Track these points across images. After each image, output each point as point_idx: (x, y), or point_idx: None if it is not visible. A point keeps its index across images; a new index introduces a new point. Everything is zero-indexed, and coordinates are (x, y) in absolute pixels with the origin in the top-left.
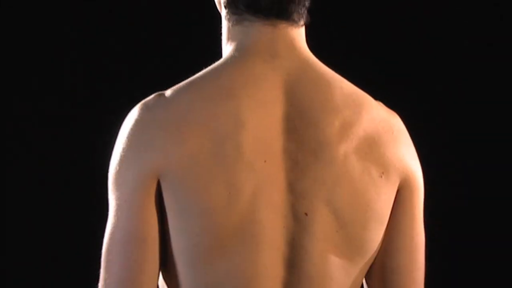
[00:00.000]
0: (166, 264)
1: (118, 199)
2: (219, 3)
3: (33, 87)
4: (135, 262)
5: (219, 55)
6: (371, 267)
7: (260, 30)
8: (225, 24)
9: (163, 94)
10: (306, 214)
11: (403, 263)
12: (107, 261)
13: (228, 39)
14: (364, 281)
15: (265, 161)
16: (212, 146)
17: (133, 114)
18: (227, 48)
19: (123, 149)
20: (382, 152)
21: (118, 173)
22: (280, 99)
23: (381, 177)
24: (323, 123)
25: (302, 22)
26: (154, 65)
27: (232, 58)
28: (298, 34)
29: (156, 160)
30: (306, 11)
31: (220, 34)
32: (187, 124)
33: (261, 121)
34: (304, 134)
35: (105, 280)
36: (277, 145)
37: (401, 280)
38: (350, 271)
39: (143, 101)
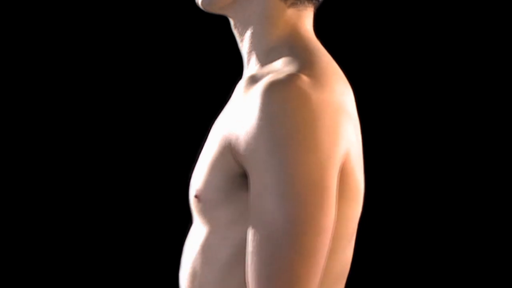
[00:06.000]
0: None
1: (316, 186)
2: None
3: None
4: (324, 254)
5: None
6: None
7: (310, 15)
8: (274, 3)
9: (309, 76)
10: None
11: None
12: (307, 254)
13: (278, 20)
14: None
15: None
16: (353, 130)
17: (300, 97)
18: (276, 31)
19: (309, 133)
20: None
21: (306, 158)
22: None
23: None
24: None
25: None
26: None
27: (310, 42)
28: None
29: (344, 144)
30: None
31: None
32: (342, 108)
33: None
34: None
35: (308, 271)
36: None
37: None
38: None
39: (294, 84)
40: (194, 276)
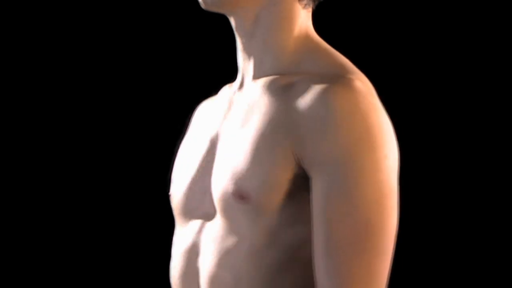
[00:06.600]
0: None
1: (388, 190)
2: None
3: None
4: (391, 254)
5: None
6: None
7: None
8: (291, 4)
9: (359, 80)
10: None
11: None
12: (382, 254)
13: (294, 21)
14: None
15: None
16: None
17: (364, 101)
18: (291, 33)
19: (378, 137)
20: None
21: (374, 160)
22: None
23: None
24: None
25: None
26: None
27: (326, 44)
28: None
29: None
30: None
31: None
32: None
33: None
34: None
35: (379, 272)
36: None
37: None
38: None
39: (355, 88)
40: (226, 286)
